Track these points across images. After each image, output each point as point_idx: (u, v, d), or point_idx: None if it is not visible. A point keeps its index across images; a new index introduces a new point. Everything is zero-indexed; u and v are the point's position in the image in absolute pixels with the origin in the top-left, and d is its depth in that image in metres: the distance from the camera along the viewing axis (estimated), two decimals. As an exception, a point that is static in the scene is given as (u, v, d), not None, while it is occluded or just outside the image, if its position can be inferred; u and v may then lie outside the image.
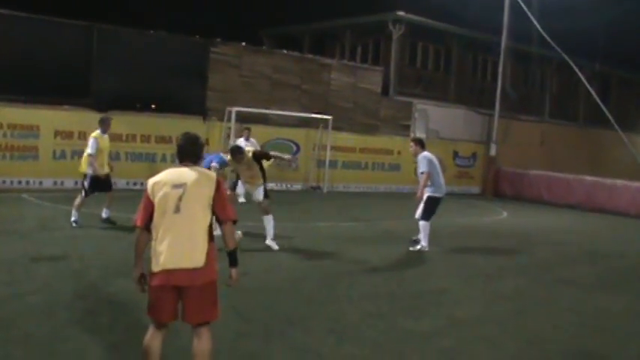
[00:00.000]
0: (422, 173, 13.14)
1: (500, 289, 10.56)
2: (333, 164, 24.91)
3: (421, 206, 13.34)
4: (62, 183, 19.26)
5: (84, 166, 13.52)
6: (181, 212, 5.13)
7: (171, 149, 20.45)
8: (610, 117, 25.24)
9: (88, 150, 13.49)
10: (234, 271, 5.38)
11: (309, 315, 8.23)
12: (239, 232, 11.02)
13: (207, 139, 21.78)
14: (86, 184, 13.43)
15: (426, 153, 13.35)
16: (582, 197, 25.25)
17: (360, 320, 8.16)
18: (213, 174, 5.40)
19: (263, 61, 24.19)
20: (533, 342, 7.82)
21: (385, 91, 28.32)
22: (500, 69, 28.54)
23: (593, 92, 27.18)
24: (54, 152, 19.21)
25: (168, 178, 5.27)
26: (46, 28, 19.70)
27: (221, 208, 5.28)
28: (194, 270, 5.07)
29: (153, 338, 5.24)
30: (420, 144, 13.56)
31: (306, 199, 21.98)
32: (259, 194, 12.28)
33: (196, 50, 22.78)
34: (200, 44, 22.87)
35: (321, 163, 24.68)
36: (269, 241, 12.16)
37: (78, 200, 13.36)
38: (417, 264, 12.36)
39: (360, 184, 25.94)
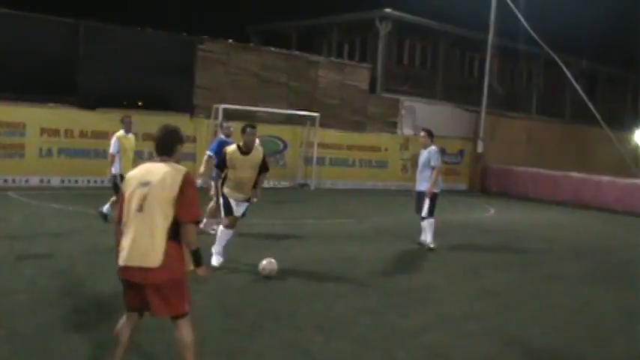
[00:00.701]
0: (433, 168, 13.05)
1: (487, 285, 10.59)
2: (320, 161, 24.95)
3: (427, 204, 13.13)
4: (49, 181, 19.22)
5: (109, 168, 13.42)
6: (144, 211, 5.12)
7: (158, 146, 20.43)
8: (596, 114, 25.35)
9: (110, 149, 13.48)
10: (199, 271, 5.32)
11: (297, 311, 8.24)
12: (273, 261, 9.76)
13: (194, 137, 21.80)
14: (118, 183, 13.21)
15: (435, 146, 13.33)
16: (569, 194, 25.35)
17: (348, 316, 8.17)
18: (183, 171, 5.25)
19: (250, 59, 24.19)
20: (519, 337, 7.86)
21: (372, 88, 28.39)
22: (488, 66, 28.62)
23: (579, 89, 27.28)
24: (40, 150, 19.15)
25: (138, 175, 5.28)
26: (33, 25, 19.64)
27: (182, 208, 5.14)
28: (150, 269, 5.06)
29: (123, 325, 5.35)
30: (431, 135, 13.42)
31: (294, 196, 21.98)
32: (242, 209, 10.23)
33: (183, 47, 22.76)
34: (187, 41, 22.86)
35: (308, 160, 24.70)
36: (215, 250, 10.21)
37: (113, 198, 13.27)
38: (405, 260, 12.38)
39: (347, 181, 25.96)
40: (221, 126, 14.06)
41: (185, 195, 5.15)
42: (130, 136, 13.69)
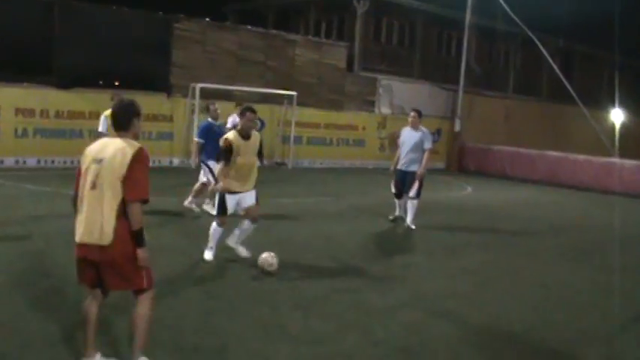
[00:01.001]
0: (425, 150, 13.12)
1: (465, 264, 10.65)
2: (298, 140, 24.91)
3: (417, 185, 13.18)
4: (24, 162, 19.06)
5: None
6: (96, 189, 5.09)
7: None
8: (573, 93, 25.44)
9: (99, 128, 13.40)
10: (139, 252, 5.16)
11: (275, 291, 8.26)
12: (272, 254, 9.08)
13: (171, 116, 21.72)
14: None
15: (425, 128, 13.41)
16: (545, 172, 25.53)
17: (326, 295, 8.19)
18: (134, 148, 5.14)
19: (227, 37, 24.03)
20: (496, 315, 7.93)
21: (350, 66, 28.34)
22: (465, 45, 28.64)
23: (556, 68, 27.35)
24: (15, 130, 18.96)
25: (93, 151, 5.23)
26: (6, 4, 19.35)
27: (128, 186, 5.07)
28: (101, 247, 5.06)
29: (89, 304, 5.41)
30: (420, 116, 13.45)
31: (271, 175, 21.92)
32: (251, 197, 9.52)
33: (159, 26, 22.54)
34: (163, 20, 22.64)
35: (286, 139, 24.67)
36: (236, 245, 9.79)
37: None
38: (383, 239, 12.44)
39: (325, 159, 25.97)
40: (207, 109, 13.92)
41: (132, 173, 5.08)
42: None
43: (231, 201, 9.30)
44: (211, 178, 12.95)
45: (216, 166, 12.69)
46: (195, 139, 13.32)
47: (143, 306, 5.32)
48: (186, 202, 13.26)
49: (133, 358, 5.34)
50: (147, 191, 5.20)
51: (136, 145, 5.20)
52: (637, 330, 7.93)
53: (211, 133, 13.03)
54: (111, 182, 5.06)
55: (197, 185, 13.23)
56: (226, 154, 9.14)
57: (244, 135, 9.22)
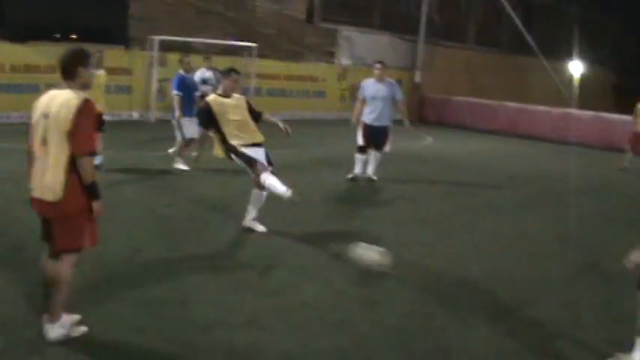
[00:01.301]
0: (396, 102, 13.17)
1: (425, 214, 10.78)
2: (257, 92, 24.73)
3: (391, 138, 13.20)
4: (-20, 117, 18.75)
5: None
6: (46, 144, 5.02)
7: (93, 80, 20.03)
8: (533, 44, 25.59)
9: None
10: (94, 205, 5.12)
11: (236, 243, 8.31)
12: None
13: (129, 69, 21.44)
14: None
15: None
16: (505, 123, 25.71)
17: (287, 247, 8.26)
18: (79, 100, 4.98)
19: (185, -12, 23.71)
20: (455, 263, 8.06)
21: (310, 18, 28.12)
22: (426, -5, 28.55)
23: (516, 19, 27.47)
24: (-31, 85, 18.63)
25: (42, 105, 5.12)
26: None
27: (74, 141, 4.96)
28: (51, 203, 5.02)
29: (45, 261, 5.40)
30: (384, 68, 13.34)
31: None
32: (260, 154, 9.03)
33: (116, -23, 22.17)
34: (119, -30, 22.26)
35: (246, 91, 24.49)
36: (249, 222, 9.04)
37: None
38: (344, 191, 12.49)
39: (285, 111, 25.84)
40: (181, 61, 13.85)
41: (78, 126, 4.96)
42: (100, 72, 12.71)
43: (248, 150, 8.84)
44: (178, 136, 12.99)
45: (188, 123, 12.72)
46: (174, 92, 13.23)
47: (66, 268, 5.24)
48: (170, 150, 13.43)
49: (53, 319, 5.31)
50: (93, 144, 5.18)
51: (82, 96, 5.05)
52: (591, 278, 8.09)
53: (184, 86, 13.11)
54: (59, 137, 4.97)
55: (179, 140, 13.27)
56: (206, 117, 8.92)
57: (225, 95, 9.02)
